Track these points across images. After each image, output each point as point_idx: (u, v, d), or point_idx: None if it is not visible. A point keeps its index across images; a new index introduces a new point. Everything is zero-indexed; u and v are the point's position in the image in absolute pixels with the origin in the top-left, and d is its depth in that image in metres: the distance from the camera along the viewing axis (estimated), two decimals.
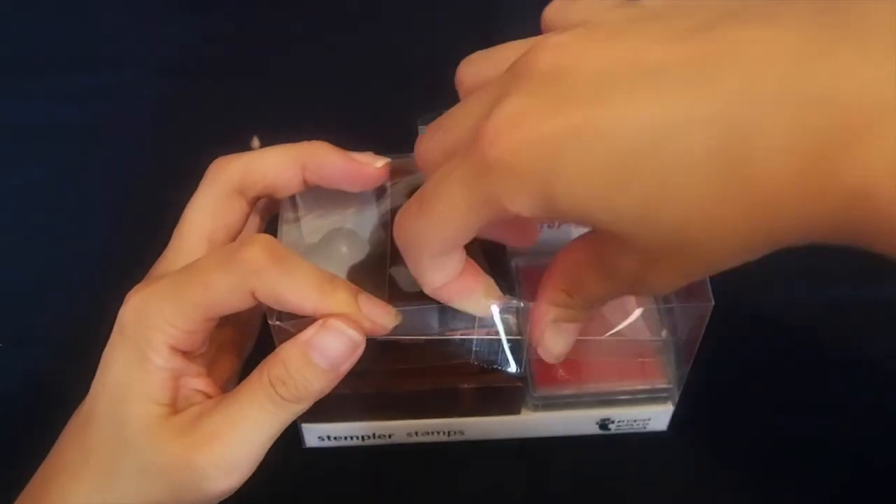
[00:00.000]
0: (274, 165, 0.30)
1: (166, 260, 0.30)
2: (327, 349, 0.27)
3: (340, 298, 0.27)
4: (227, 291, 0.27)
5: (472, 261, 0.28)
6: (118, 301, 0.29)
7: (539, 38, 0.24)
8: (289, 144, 0.31)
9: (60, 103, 0.48)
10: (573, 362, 0.35)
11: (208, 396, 0.29)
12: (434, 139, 0.26)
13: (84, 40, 0.51)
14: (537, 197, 0.22)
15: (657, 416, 0.35)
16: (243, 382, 0.28)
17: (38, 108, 0.48)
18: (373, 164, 0.31)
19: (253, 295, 0.27)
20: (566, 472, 0.36)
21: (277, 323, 0.29)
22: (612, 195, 0.21)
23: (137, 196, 0.44)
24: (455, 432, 0.36)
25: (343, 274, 0.32)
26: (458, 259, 0.27)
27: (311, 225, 0.33)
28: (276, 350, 0.28)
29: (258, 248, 0.26)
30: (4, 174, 0.46)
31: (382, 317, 0.28)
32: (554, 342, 0.28)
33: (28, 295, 0.42)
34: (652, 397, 0.35)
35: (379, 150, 0.31)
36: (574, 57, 0.22)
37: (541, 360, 0.29)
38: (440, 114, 0.27)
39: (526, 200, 0.22)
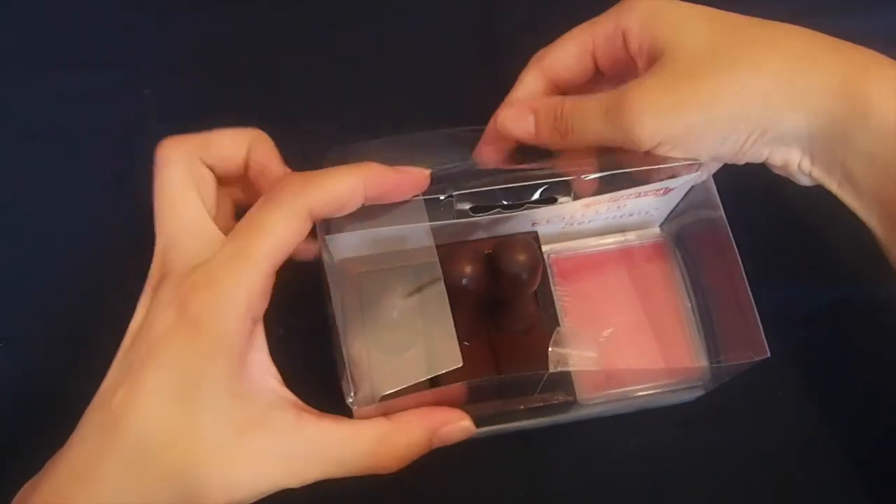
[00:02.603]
0: (342, 193, 0.30)
1: (229, 265, 0.29)
2: (449, 437, 0.31)
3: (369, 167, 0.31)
4: (285, 228, 0.29)
5: None
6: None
7: None
8: (350, 168, 0.31)
9: (60, 103, 0.48)
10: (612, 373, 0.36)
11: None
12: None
13: (84, 40, 0.50)
14: None
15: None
16: (352, 427, 0.29)
17: (38, 108, 0.48)
18: (423, 174, 0.33)
19: (310, 215, 0.29)
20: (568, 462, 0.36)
21: (355, 407, 0.30)
22: None
23: (137, 196, 0.44)
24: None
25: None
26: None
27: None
28: (399, 430, 0.29)
29: (287, 176, 0.30)
30: (4, 174, 0.46)
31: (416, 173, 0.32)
32: (515, 126, 0.35)
33: (28, 294, 0.42)
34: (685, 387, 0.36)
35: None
36: None
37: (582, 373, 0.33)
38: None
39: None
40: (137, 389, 0.27)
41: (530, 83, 0.36)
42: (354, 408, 0.30)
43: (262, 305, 0.29)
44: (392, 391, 0.32)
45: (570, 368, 0.32)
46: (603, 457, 0.37)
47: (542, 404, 0.33)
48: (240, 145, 0.33)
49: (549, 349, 0.32)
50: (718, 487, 0.36)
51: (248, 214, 0.30)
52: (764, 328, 0.31)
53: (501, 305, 0.34)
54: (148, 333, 0.28)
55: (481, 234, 0.35)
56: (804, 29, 0.33)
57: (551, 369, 0.32)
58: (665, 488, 0.36)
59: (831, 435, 0.36)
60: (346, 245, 0.33)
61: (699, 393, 0.36)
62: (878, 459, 0.36)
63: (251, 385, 0.28)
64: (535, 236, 0.36)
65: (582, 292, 0.37)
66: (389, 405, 0.30)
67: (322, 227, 0.33)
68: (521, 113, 0.35)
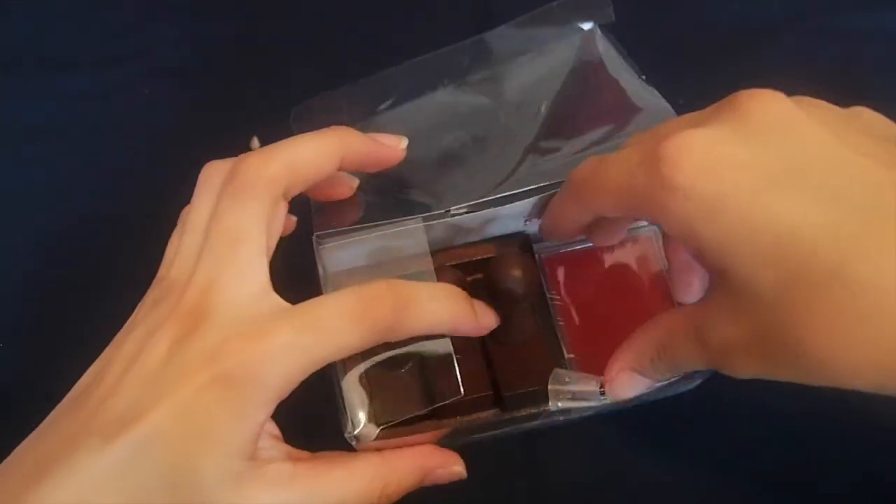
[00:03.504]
0: (317, 165, 0.29)
1: (217, 273, 0.27)
2: (439, 480, 0.30)
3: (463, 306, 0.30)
4: (358, 344, 0.27)
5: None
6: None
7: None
8: (320, 135, 0.30)
9: (60, 103, 0.48)
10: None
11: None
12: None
13: (84, 40, 0.50)
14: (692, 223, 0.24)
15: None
16: (345, 468, 0.28)
17: (38, 108, 0.48)
18: (398, 146, 0.32)
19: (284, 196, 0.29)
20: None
21: (355, 442, 0.30)
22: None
23: (137, 196, 0.44)
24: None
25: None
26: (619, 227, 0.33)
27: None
28: (392, 472, 0.29)
29: (387, 295, 0.27)
30: (4, 174, 0.46)
31: (490, 318, 0.31)
32: (623, 389, 0.30)
33: (27, 295, 0.42)
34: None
35: None
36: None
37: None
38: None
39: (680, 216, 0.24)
40: (144, 424, 0.24)
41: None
42: (354, 443, 0.30)
43: None
44: (391, 421, 0.32)
45: (571, 405, 0.32)
46: (603, 449, 0.37)
47: (542, 409, 0.33)
48: (331, 161, 0.30)
49: (549, 386, 0.32)
50: (715, 490, 0.36)
51: (219, 222, 0.28)
52: None
53: (499, 319, 0.34)
54: (167, 369, 0.25)
55: (472, 237, 0.35)
56: None
57: (551, 407, 0.32)
58: (666, 479, 0.36)
59: (831, 436, 0.36)
60: (339, 257, 0.33)
61: (698, 381, 0.35)
62: (879, 458, 0.36)
63: (257, 448, 0.27)
64: (525, 239, 0.35)
65: (575, 290, 0.36)
66: (388, 441, 0.31)
67: (315, 240, 0.32)
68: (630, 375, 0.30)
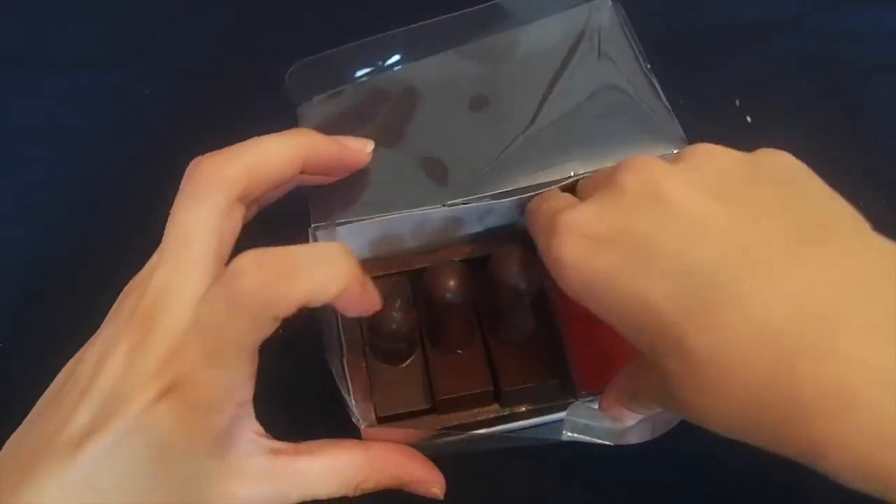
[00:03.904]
0: (278, 168, 0.29)
1: (169, 276, 0.27)
2: (415, 492, 0.30)
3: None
4: (246, 328, 0.26)
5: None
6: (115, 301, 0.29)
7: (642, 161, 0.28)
8: (282, 136, 0.29)
9: (60, 103, 0.48)
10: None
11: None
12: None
13: (84, 40, 0.51)
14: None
15: None
16: (325, 462, 0.28)
17: (38, 108, 0.48)
18: (364, 150, 0.32)
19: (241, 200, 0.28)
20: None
21: (362, 426, 0.30)
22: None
23: (137, 196, 0.44)
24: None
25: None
26: None
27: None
28: (373, 471, 0.29)
29: (251, 267, 0.26)
30: (4, 174, 0.46)
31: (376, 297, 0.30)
32: (620, 416, 0.31)
33: (26, 295, 0.42)
34: None
35: None
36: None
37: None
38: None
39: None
40: (104, 435, 0.25)
41: None
42: (362, 426, 0.30)
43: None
44: (391, 415, 0.33)
45: (584, 439, 0.32)
46: (604, 453, 0.37)
47: (542, 405, 0.33)
48: (293, 164, 0.29)
49: (565, 418, 0.32)
50: (714, 492, 0.36)
51: (173, 222, 0.28)
52: None
53: (497, 316, 0.34)
54: (124, 380, 0.26)
55: (472, 227, 0.35)
56: None
57: (564, 439, 0.32)
58: (670, 478, 0.36)
59: None
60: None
61: None
62: None
63: (231, 446, 0.27)
64: (525, 232, 0.35)
65: None
66: (396, 433, 0.31)
67: (312, 231, 0.32)
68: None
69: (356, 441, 0.30)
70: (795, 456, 0.22)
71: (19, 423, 0.28)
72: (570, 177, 0.33)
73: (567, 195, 0.32)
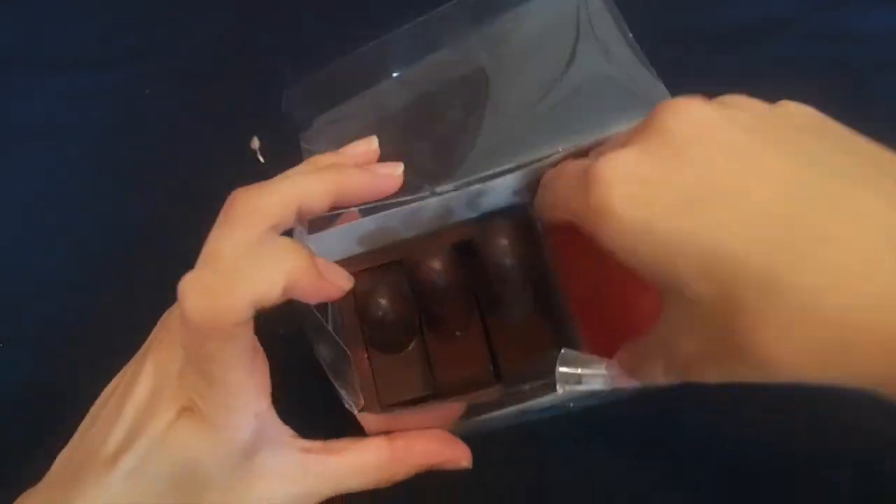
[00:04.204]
0: (310, 203, 0.29)
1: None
2: (447, 466, 0.31)
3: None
4: (203, 345, 0.26)
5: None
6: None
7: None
8: (317, 172, 0.30)
9: (60, 103, 0.48)
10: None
11: None
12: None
13: (84, 40, 0.50)
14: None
15: None
16: (355, 458, 0.29)
17: (38, 108, 0.48)
18: (395, 174, 0.32)
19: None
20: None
21: (356, 412, 0.30)
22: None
23: (137, 196, 0.44)
24: None
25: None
26: None
27: None
28: (401, 462, 0.30)
29: (193, 288, 0.26)
30: (4, 174, 0.46)
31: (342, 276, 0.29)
32: (623, 384, 0.31)
33: (26, 295, 0.42)
34: None
35: None
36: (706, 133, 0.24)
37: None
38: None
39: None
40: (130, 455, 0.27)
41: None
42: (355, 411, 0.30)
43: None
44: (394, 403, 0.33)
45: (580, 389, 0.32)
46: (609, 435, 0.37)
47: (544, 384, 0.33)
48: (324, 199, 0.29)
49: (557, 369, 0.31)
50: (714, 490, 0.36)
51: (206, 248, 0.28)
52: None
53: (491, 295, 0.34)
54: (149, 402, 0.28)
55: (464, 213, 0.35)
56: None
57: (559, 392, 0.31)
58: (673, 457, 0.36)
59: (830, 436, 0.36)
60: (329, 246, 0.33)
61: None
62: (879, 461, 0.36)
63: (258, 453, 0.28)
64: (522, 211, 0.35)
65: (578, 259, 0.34)
66: (395, 419, 0.31)
67: (298, 231, 0.32)
68: None
69: (382, 436, 0.30)
70: (874, 385, 0.22)
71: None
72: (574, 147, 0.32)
73: (590, 156, 0.30)
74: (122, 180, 0.45)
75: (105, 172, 0.46)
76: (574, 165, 0.28)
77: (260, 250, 0.27)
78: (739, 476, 0.36)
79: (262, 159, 0.43)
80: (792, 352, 0.23)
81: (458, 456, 0.31)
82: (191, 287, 0.26)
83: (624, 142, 0.26)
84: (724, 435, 0.37)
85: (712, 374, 0.26)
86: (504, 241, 0.31)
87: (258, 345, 0.28)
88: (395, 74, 0.39)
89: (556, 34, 0.38)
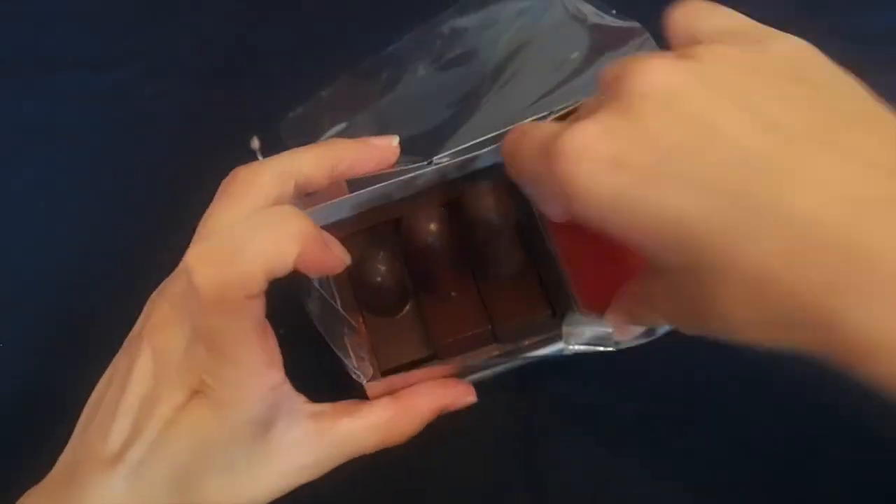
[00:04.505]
0: (307, 175, 0.30)
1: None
2: (455, 407, 0.32)
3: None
4: (213, 317, 0.26)
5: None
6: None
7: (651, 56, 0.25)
8: (313, 147, 0.31)
9: (60, 103, 0.48)
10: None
11: None
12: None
13: (84, 40, 0.50)
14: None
15: None
16: (364, 418, 0.30)
17: (38, 108, 0.48)
18: (391, 145, 0.32)
19: None
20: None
21: (364, 381, 0.30)
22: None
23: (137, 196, 0.44)
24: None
25: None
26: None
27: None
28: (409, 415, 0.31)
29: (201, 264, 0.25)
30: (4, 174, 0.46)
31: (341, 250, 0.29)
32: (625, 334, 0.32)
33: (27, 295, 0.42)
34: None
35: None
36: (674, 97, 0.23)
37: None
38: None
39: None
40: (140, 448, 0.27)
41: None
42: (364, 382, 0.30)
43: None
44: (392, 367, 0.33)
45: (586, 350, 0.32)
46: (600, 395, 0.38)
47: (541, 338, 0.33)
48: (322, 173, 0.31)
49: (563, 328, 0.31)
50: (713, 487, 0.36)
51: (204, 222, 0.28)
52: None
53: (481, 253, 0.33)
54: (154, 390, 0.27)
55: (454, 174, 0.35)
56: None
57: (566, 351, 0.31)
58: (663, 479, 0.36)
59: (831, 436, 0.36)
60: (322, 212, 0.33)
61: None
62: (879, 461, 0.36)
63: (274, 428, 0.28)
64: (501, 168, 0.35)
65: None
66: (398, 380, 0.31)
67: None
68: None
69: (386, 396, 0.31)
70: (833, 358, 0.22)
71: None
72: (551, 112, 0.33)
73: (551, 123, 0.29)
74: (121, 180, 0.45)
75: (105, 172, 0.46)
76: (538, 132, 0.27)
77: (265, 219, 0.27)
78: (740, 481, 0.36)
79: (262, 159, 0.43)
80: (753, 322, 0.23)
81: (461, 393, 0.32)
82: (200, 259, 0.25)
83: (590, 110, 0.25)
84: (719, 456, 0.37)
85: (688, 331, 0.27)
86: (490, 199, 0.31)
87: (266, 321, 0.27)
88: (382, 100, 0.39)
89: (556, 28, 0.39)
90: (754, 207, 0.22)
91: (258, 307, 0.26)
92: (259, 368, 0.26)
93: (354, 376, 0.30)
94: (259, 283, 0.25)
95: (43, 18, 0.52)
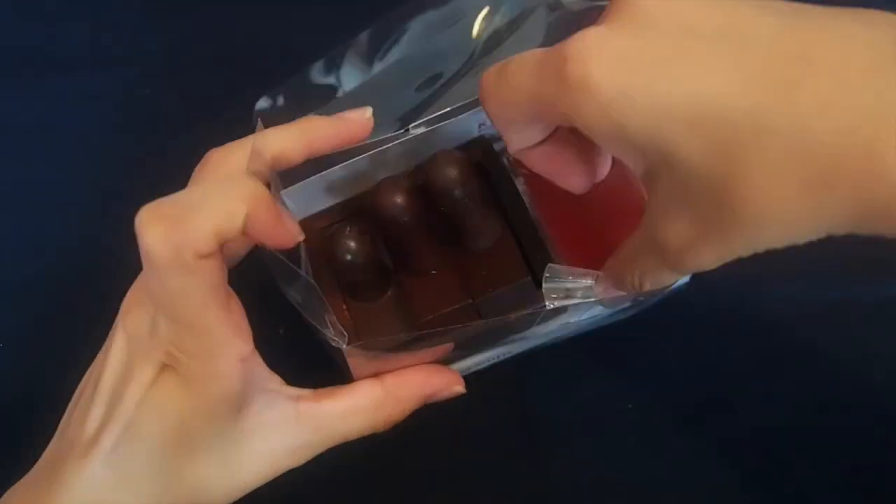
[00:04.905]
0: (281, 152, 0.29)
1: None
2: (440, 400, 0.31)
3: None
4: (175, 278, 0.25)
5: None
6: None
7: None
8: (285, 126, 0.30)
9: (60, 103, 0.48)
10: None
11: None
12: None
13: (84, 40, 0.51)
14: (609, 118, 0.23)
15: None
16: (348, 402, 0.29)
17: (38, 108, 0.48)
18: (364, 117, 0.32)
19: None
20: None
21: (346, 347, 0.29)
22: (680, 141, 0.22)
23: (137, 196, 0.44)
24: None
25: None
26: (537, 131, 0.27)
27: None
28: (395, 400, 0.30)
29: (150, 221, 0.25)
30: (4, 174, 0.46)
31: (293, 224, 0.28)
32: (614, 301, 0.31)
33: (27, 295, 0.42)
34: None
35: None
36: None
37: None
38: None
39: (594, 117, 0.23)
40: (112, 432, 0.26)
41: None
42: (343, 347, 0.29)
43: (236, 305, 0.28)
44: (377, 349, 0.32)
45: (568, 302, 0.30)
46: (601, 391, 0.38)
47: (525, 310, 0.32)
48: (296, 150, 0.30)
49: (544, 284, 0.30)
50: (714, 487, 0.36)
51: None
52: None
53: (456, 227, 0.33)
54: (124, 372, 0.27)
55: (433, 150, 0.34)
56: None
57: (549, 306, 0.30)
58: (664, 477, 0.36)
59: (831, 436, 0.36)
60: (302, 199, 0.33)
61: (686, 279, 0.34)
62: (879, 461, 0.36)
63: (250, 403, 0.28)
64: (485, 142, 0.34)
65: (549, 183, 0.32)
66: (383, 363, 0.30)
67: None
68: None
69: (371, 379, 0.30)
70: (874, 216, 0.21)
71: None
72: None
73: (536, 49, 0.28)
74: (121, 180, 0.45)
75: (105, 172, 0.46)
76: (528, 56, 0.26)
77: (217, 184, 0.27)
78: (739, 480, 0.36)
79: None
80: (784, 196, 0.22)
81: (449, 382, 0.31)
82: (148, 218, 0.25)
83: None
84: (720, 456, 0.37)
85: (705, 255, 0.24)
86: (451, 169, 0.30)
87: (231, 290, 0.27)
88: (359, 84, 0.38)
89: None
90: (782, 67, 0.21)
91: (213, 269, 0.25)
92: (223, 336, 0.26)
93: (334, 343, 0.29)
94: (208, 242, 0.24)
95: (43, 18, 0.52)
